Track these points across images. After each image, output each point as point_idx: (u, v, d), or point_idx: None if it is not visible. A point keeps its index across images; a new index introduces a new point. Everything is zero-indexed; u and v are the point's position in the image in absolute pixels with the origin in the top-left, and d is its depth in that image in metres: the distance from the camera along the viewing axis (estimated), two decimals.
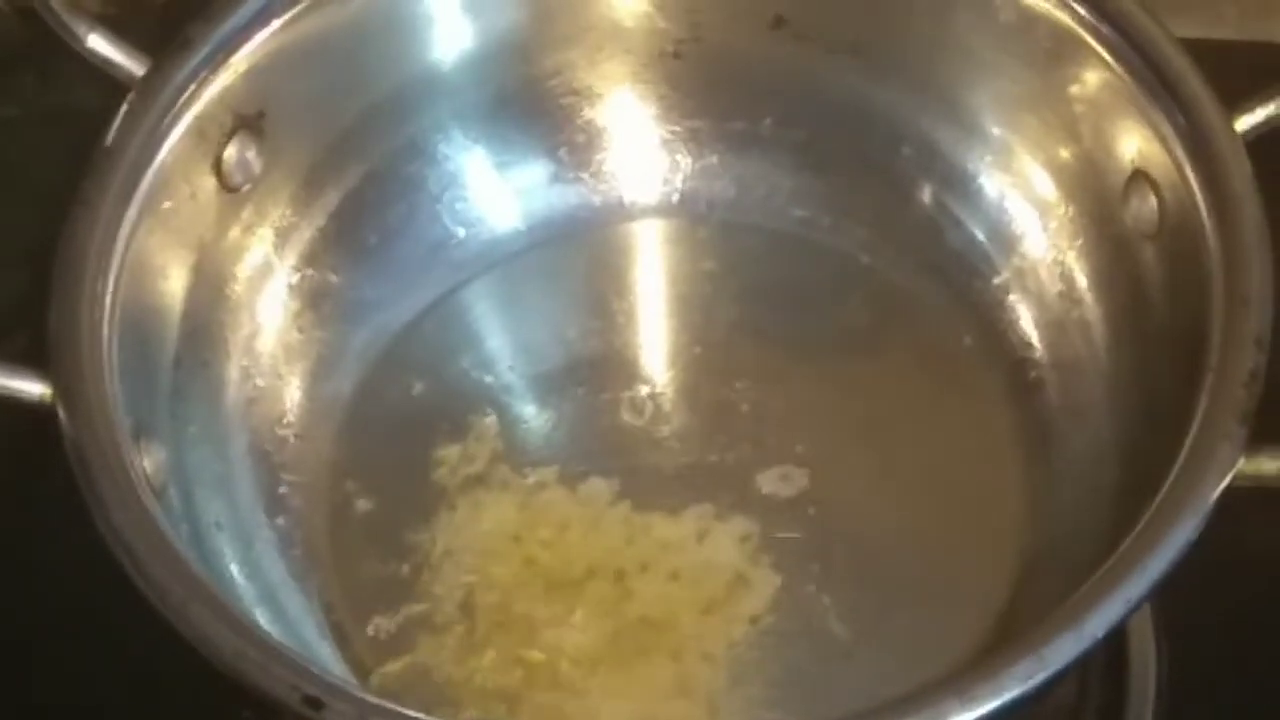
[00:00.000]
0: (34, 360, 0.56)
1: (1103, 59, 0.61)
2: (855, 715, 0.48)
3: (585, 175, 0.71)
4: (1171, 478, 0.51)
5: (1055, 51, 0.63)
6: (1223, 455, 0.52)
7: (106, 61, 0.62)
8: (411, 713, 0.49)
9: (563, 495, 0.65)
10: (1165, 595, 0.62)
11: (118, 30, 0.63)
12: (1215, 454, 0.52)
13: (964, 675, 0.48)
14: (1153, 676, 0.63)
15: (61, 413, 0.54)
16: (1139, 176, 0.61)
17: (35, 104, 0.81)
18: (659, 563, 0.63)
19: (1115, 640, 0.63)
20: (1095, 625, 0.49)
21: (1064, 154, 0.65)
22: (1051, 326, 0.66)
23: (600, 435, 0.66)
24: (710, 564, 0.63)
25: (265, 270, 0.66)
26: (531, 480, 0.65)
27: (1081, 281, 0.65)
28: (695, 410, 0.67)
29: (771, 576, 0.62)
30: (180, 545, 0.52)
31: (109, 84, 0.62)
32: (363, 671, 0.61)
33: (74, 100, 0.63)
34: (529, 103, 0.70)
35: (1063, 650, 0.48)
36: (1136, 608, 0.49)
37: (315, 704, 0.48)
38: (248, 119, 0.64)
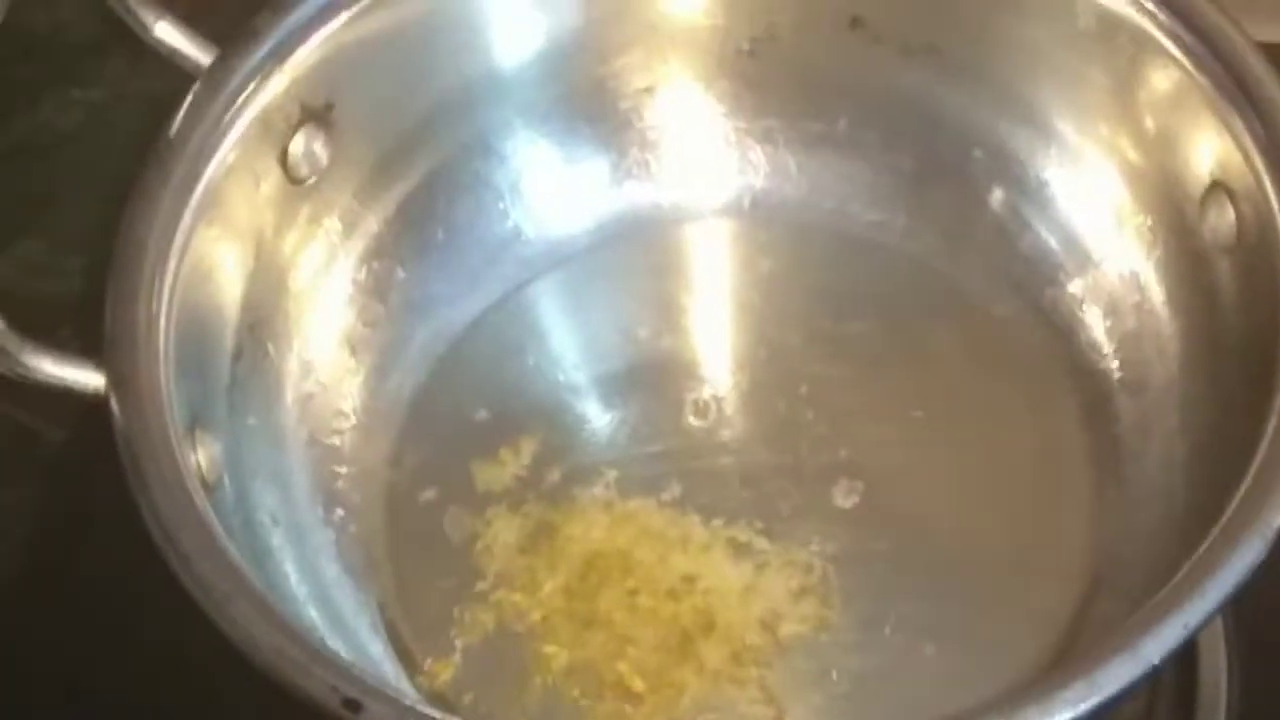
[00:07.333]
0: (93, 351, 0.55)
1: (1182, 66, 0.60)
2: None
3: (654, 173, 0.71)
4: (1237, 500, 0.50)
5: (1134, 57, 0.62)
6: None
7: (174, 52, 0.62)
8: (453, 718, 0.48)
9: (621, 498, 0.64)
10: (1239, 616, 0.62)
11: (190, 21, 0.63)
12: None
13: (1013, 698, 0.47)
14: (1223, 703, 0.62)
15: (113, 404, 0.54)
16: (1217, 188, 0.59)
17: (122, 88, 0.81)
18: (718, 569, 0.62)
19: (1185, 662, 0.62)
20: (1151, 651, 0.47)
21: (1140, 162, 0.63)
22: (1126, 339, 0.65)
23: (662, 437, 0.66)
24: (770, 571, 0.62)
25: (329, 263, 0.66)
26: (591, 482, 0.64)
27: (1157, 294, 0.64)
28: (759, 415, 0.66)
29: (832, 585, 0.62)
30: (226, 540, 0.52)
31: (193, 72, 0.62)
32: (415, 672, 0.61)
33: (163, 86, 0.63)
34: (597, 100, 0.70)
35: (1116, 675, 0.47)
36: (1195, 634, 0.48)
37: (354, 706, 0.48)
38: (315, 111, 0.63)
